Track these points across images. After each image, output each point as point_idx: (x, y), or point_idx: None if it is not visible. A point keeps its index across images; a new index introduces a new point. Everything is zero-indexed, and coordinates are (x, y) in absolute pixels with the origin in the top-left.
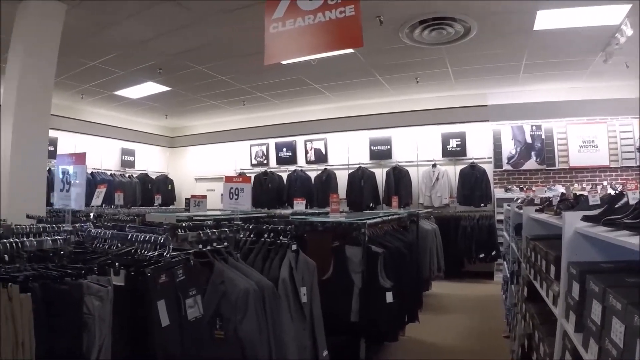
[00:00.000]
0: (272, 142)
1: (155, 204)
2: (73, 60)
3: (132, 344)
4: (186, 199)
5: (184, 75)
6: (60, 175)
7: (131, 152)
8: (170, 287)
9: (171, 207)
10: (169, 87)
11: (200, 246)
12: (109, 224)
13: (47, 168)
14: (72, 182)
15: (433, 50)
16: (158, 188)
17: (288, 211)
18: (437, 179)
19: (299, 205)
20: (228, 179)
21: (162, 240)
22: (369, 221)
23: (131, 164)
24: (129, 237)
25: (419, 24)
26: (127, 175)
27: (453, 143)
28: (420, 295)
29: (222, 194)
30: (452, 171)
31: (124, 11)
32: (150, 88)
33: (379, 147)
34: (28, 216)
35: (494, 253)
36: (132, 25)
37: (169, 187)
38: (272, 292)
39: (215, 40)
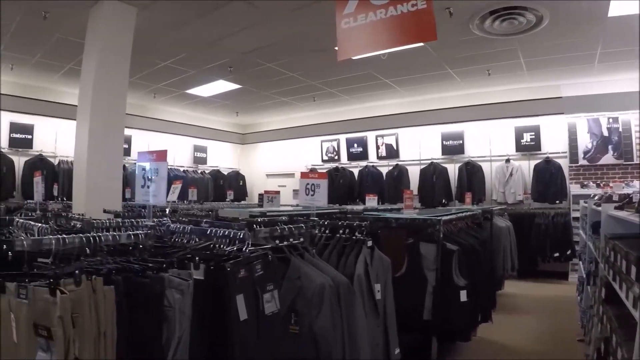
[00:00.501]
0: (342, 138)
1: (227, 200)
2: (145, 61)
3: (210, 337)
4: (259, 194)
5: (254, 73)
6: (141, 172)
7: (203, 149)
8: (249, 282)
9: (243, 202)
10: (239, 85)
11: (277, 242)
12: (184, 219)
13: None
14: (153, 178)
15: (504, 41)
16: (230, 184)
17: (360, 207)
18: (511, 174)
19: (371, 201)
20: (304, 175)
21: (241, 236)
22: (444, 218)
23: (203, 161)
24: (207, 232)
25: (490, 14)
26: (199, 171)
27: (527, 137)
28: (494, 294)
29: (294, 190)
30: (526, 166)
31: (194, 12)
32: (221, 86)
33: (451, 141)
34: (105, 211)
35: (569, 252)
36: (202, 25)
37: (241, 183)
38: (347, 288)
39: (285, 38)
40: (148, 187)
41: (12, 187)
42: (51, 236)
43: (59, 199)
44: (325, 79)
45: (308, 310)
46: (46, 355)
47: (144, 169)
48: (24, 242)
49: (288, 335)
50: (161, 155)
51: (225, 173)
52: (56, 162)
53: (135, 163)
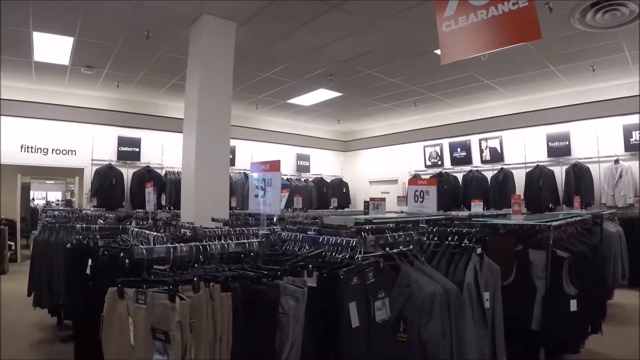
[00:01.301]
0: (445, 142)
1: (330, 207)
2: (246, 73)
3: (321, 344)
4: (365, 201)
5: (354, 80)
6: (254, 182)
7: (306, 157)
8: (361, 289)
9: (346, 210)
10: (340, 93)
11: (387, 249)
12: (290, 226)
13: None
14: (267, 188)
15: (607, 34)
16: (333, 191)
17: (465, 213)
18: (620, 176)
19: (476, 206)
20: (412, 181)
21: (353, 243)
22: (553, 223)
23: (306, 169)
24: (320, 239)
25: (590, 7)
26: (302, 179)
27: (636, 135)
28: (604, 304)
29: (398, 197)
30: (636, 167)
31: (292, 23)
32: (322, 95)
33: (556, 143)
34: (213, 219)
35: None
36: (301, 36)
37: (344, 190)
38: (457, 296)
39: (384, 43)
40: (262, 196)
41: (121, 197)
42: (169, 245)
43: (167, 208)
44: (425, 83)
45: (417, 318)
46: (163, 358)
47: (257, 179)
48: (143, 251)
49: (396, 343)
50: (274, 165)
51: (329, 180)
52: (163, 173)
53: (240, 173)
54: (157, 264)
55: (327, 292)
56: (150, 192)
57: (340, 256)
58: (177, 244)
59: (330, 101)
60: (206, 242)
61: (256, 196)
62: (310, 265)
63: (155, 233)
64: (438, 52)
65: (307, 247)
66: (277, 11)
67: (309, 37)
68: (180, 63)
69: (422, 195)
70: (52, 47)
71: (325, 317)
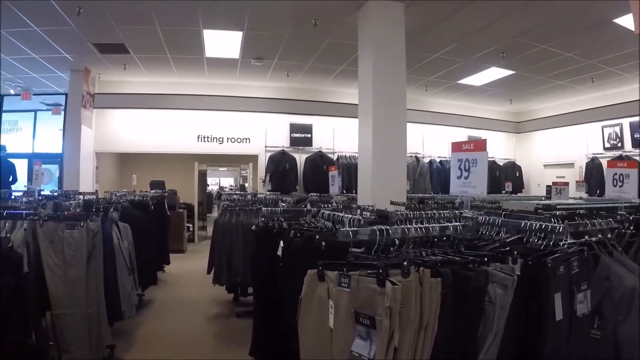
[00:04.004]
0: (626, 122)
1: (503, 192)
2: (415, 55)
3: (521, 335)
4: (547, 186)
5: (527, 57)
6: (456, 163)
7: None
8: (566, 280)
9: (521, 194)
10: (512, 71)
11: (586, 237)
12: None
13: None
14: (471, 169)
15: None
16: (507, 175)
17: None
18: None
19: None
20: (611, 163)
21: (559, 229)
22: None
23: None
24: (522, 224)
25: None
26: None
27: None
28: None
29: (577, 181)
30: None
31: (460, 1)
32: (493, 73)
33: None
34: (392, 202)
35: None
36: (470, 13)
37: (517, 174)
38: None
39: (558, 15)
40: (466, 177)
41: (294, 181)
42: (375, 227)
43: (341, 191)
44: (603, 57)
45: (614, 314)
46: (365, 343)
47: (459, 160)
48: (349, 233)
49: (589, 339)
50: (479, 145)
51: (501, 164)
52: (335, 158)
53: (410, 156)
54: (352, 247)
55: (532, 281)
56: (334, 175)
57: (541, 243)
58: (382, 227)
59: (501, 80)
60: (398, 225)
61: (458, 177)
62: (515, 252)
63: (349, 215)
64: (619, 21)
65: (503, 232)
66: None
67: (478, 14)
68: (349, 49)
69: (621, 179)
70: (222, 43)
71: (528, 308)
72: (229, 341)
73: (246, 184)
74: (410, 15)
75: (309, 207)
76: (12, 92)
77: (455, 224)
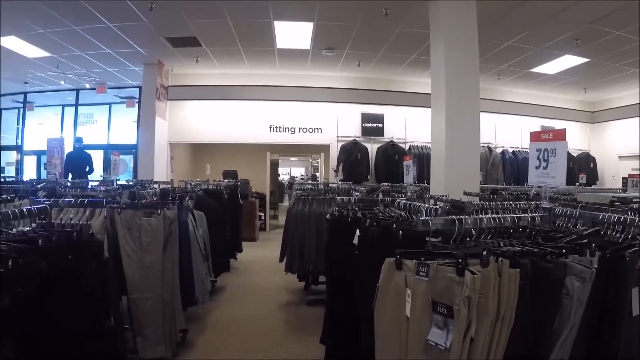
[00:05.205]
0: None
1: (576, 184)
2: (487, 43)
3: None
4: (623, 178)
5: (602, 44)
6: (535, 153)
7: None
8: None
9: (595, 187)
10: (586, 59)
11: None
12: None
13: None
14: (550, 159)
15: None
16: (580, 166)
17: None
18: None
19: None
20: None
21: (638, 222)
22: None
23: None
24: (600, 217)
25: None
26: None
27: None
28: None
29: None
30: None
31: None
32: (567, 61)
33: None
34: (465, 193)
35: None
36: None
37: (591, 166)
38: None
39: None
40: (545, 167)
41: (366, 171)
42: (454, 217)
43: (413, 181)
44: None
45: None
46: (441, 333)
47: (538, 150)
48: (429, 222)
49: None
50: (559, 135)
51: (575, 155)
52: (406, 147)
53: (483, 146)
54: (429, 237)
55: (609, 274)
56: (409, 164)
57: (620, 236)
58: (461, 216)
59: (575, 68)
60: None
61: (537, 167)
62: (593, 245)
63: (426, 205)
64: None
65: (580, 224)
66: None
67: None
68: (420, 37)
69: None
70: (293, 34)
71: (604, 302)
72: (299, 329)
73: (317, 174)
74: (482, 2)
75: (381, 196)
76: (87, 86)
77: (534, 214)
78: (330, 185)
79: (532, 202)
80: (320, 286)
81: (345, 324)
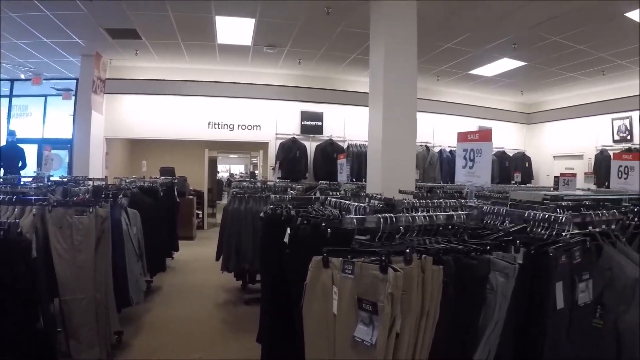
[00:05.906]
0: (635, 115)
1: (512, 182)
2: (428, 44)
3: (522, 323)
4: (555, 177)
5: (539, 48)
6: (462, 153)
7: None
8: (567, 269)
9: (529, 185)
10: (524, 62)
11: (590, 228)
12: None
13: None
14: (476, 159)
15: None
16: (516, 165)
17: None
18: None
19: None
20: (617, 156)
21: (562, 219)
22: None
23: None
24: (526, 214)
25: None
26: None
27: None
28: None
29: (585, 173)
30: None
31: None
32: (505, 64)
33: None
34: (400, 191)
35: None
36: (484, 5)
37: (527, 165)
38: None
39: (572, 8)
40: (471, 167)
41: (304, 169)
42: (379, 215)
43: (350, 180)
44: (614, 50)
45: (616, 305)
46: (367, 329)
47: (465, 150)
48: (354, 221)
49: (590, 328)
50: (484, 135)
51: (511, 154)
52: (345, 146)
53: (421, 145)
54: (357, 235)
55: (534, 270)
56: (343, 163)
57: (545, 232)
58: (387, 215)
59: (513, 71)
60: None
61: (463, 167)
62: (517, 241)
63: (356, 203)
64: (630, 15)
65: (508, 221)
66: None
67: (493, 4)
68: (361, 37)
69: (626, 172)
70: (234, 30)
71: (529, 296)
72: (236, 328)
73: (256, 172)
74: (423, 4)
75: (318, 195)
76: (22, 76)
77: (459, 212)
78: (267, 183)
79: (464, 200)
80: (258, 285)
81: (281, 323)
